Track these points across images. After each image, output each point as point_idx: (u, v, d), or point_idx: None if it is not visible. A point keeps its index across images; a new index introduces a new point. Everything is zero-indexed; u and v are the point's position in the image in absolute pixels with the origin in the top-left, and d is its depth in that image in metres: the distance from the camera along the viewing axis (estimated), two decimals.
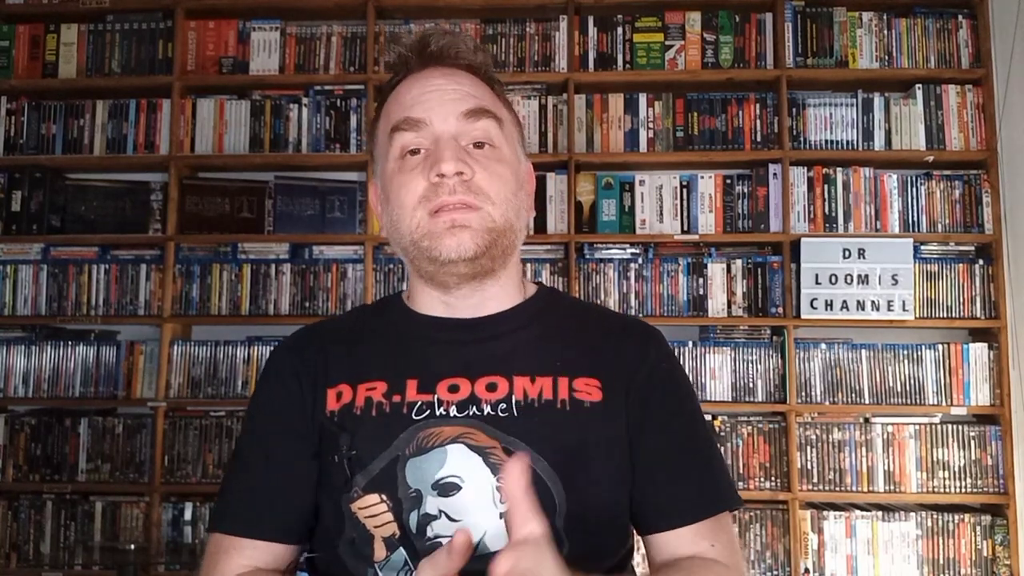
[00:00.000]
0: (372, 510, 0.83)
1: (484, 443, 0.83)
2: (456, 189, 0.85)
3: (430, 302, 0.93)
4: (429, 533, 0.81)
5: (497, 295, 0.93)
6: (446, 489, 0.82)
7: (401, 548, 0.82)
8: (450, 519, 0.81)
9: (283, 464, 0.88)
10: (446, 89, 0.89)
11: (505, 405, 0.85)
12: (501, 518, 0.81)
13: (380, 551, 0.82)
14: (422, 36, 0.92)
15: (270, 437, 0.90)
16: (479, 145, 0.89)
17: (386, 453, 0.84)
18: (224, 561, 0.86)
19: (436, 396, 0.86)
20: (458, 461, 0.83)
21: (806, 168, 2.64)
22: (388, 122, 0.91)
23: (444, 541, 0.80)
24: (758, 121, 2.67)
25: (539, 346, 0.91)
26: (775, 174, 2.63)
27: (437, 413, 0.85)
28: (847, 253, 2.55)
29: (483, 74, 0.94)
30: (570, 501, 0.82)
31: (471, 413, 0.85)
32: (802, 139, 2.66)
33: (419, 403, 0.86)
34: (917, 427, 2.52)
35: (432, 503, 0.81)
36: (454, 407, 0.85)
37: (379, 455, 0.84)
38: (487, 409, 0.85)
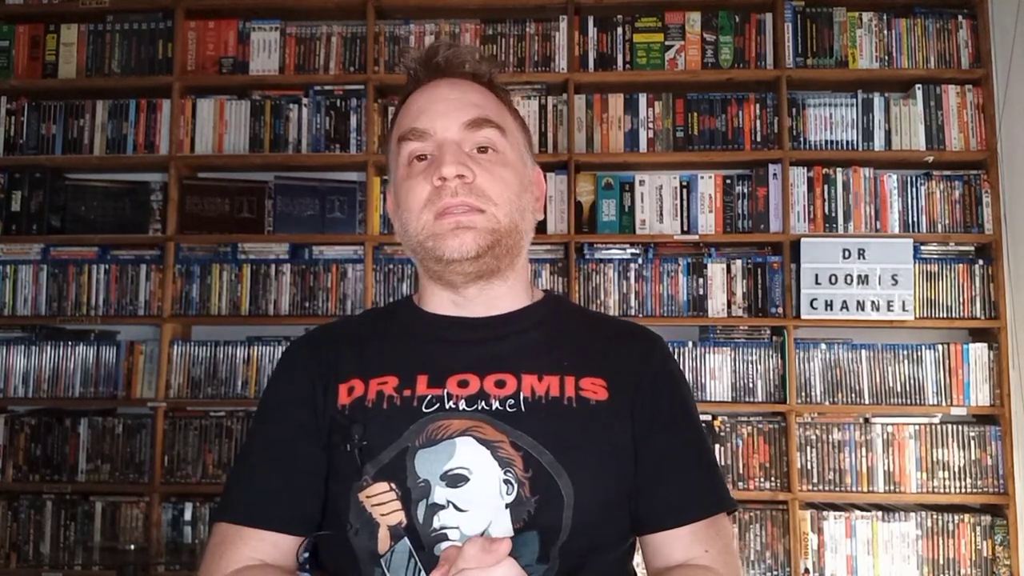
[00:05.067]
0: (381, 498, 0.84)
1: (492, 437, 0.85)
2: (458, 191, 0.89)
3: (440, 302, 0.96)
4: (435, 524, 0.82)
5: (505, 296, 0.96)
6: (454, 480, 0.83)
7: (406, 538, 0.83)
8: (458, 510, 0.83)
9: (291, 457, 0.90)
10: (450, 99, 0.93)
11: (513, 401, 0.88)
12: (507, 509, 0.82)
13: (384, 541, 0.83)
14: (428, 49, 0.96)
15: (279, 430, 0.92)
16: (483, 150, 0.93)
17: (396, 444, 0.86)
18: (229, 552, 0.86)
19: (446, 390, 0.88)
20: (467, 453, 0.84)
21: (806, 168, 2.64)
22: (397, 132, 0.96)
23: (450, 532, 0.82)
24: (758, 121, 2.67)
25: (547, 347, 0.94)
26: (775, 174, 2.63)
27: (447, 406, 0.87)
28: (847, 253, 2.55)
29: (488, 83, 0.98)
30: (576, 494, 0.83)
31: (480, 408, 0.87)
32: (802, 139, 2.66)
33: (429, 396, 0.88)
34: (917, 427, 2.52)
35: (440, 493, 0.83)
36: (463, 401, 0.88)
37: (389, 445, 0.86)
38: (495, 404, 0.87)
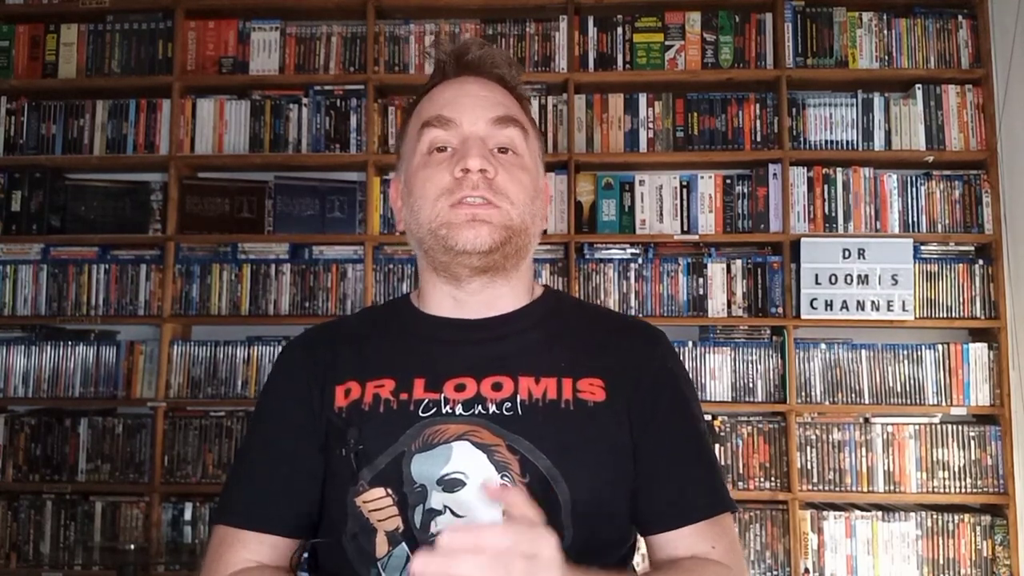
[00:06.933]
0: (377, 503, 0.84)
1: (489, 441, 0.85)
2: (479, 185, 0.89)
3: (440, 299, 0.95)
4: (433, 528, 0.82)
5: (506, 295, 0.95)
6: (451, 485, 0.83)
7: (404, 544, 0.83)
8: (454, 515, 0.82)
9: (289, 459, 0.90)
10: (479, 95, 0.94)
11: (510, 404, 0.87)
12: (504, 516, 0.81)
13: (382, 546, 0.83)
14: (461, 45, 0.97)
15: (277, 432, 0.92)
16: (503, 150, 0.93)
17: (392, 448, 0.85)
18: (229, 554, 0.87)
19: (443, 395, 0.88)
20: (463, 458, 0.84)
21: (806, 168, 2.64)
22: (419, 119, 0.95)
23: None
24: (758, 121, 2.67)
25: (544, 347, 0.93)
26: (775, 174, 2.63)
27: (443, 411, 0.87)
28: (847, 253, 2.55)
29: (514, 89, 0.98)
30: (573, 499, 0.83)
31: (476, 412, 0.86)
32: (802, 139, 2.66)
33: (426, 401, 0.88)
34: (917, 427, 2.52)
35: (437, 498, 0.83)
36: (460, 405, 0.87)
37: (385, 450, 0.85)
38: (492, 408, 0.87)
